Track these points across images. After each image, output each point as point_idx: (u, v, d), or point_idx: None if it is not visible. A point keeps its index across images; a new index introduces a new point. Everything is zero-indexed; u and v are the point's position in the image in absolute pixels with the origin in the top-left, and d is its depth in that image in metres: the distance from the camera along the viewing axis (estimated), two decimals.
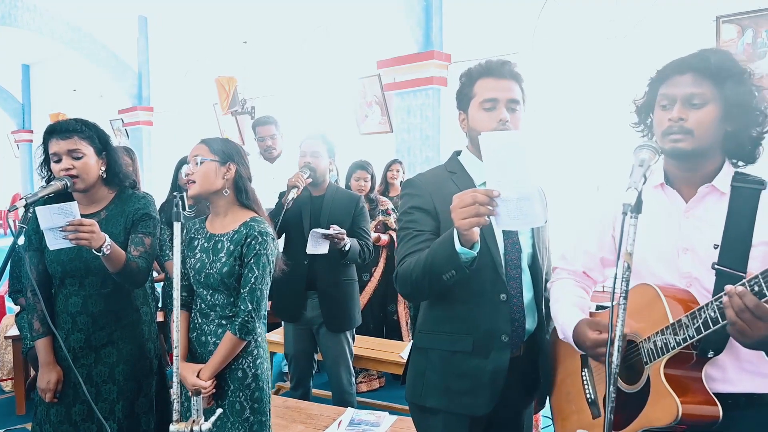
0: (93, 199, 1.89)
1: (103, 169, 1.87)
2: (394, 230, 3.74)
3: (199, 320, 1.85)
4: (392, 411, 3.31)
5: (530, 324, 1.51)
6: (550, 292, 1.52)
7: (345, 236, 2.50)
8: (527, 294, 1.49)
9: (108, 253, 1.68)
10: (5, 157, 14.35)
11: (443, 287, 1.33)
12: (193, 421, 1.33)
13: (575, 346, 1.36)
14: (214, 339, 1.80)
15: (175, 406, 1.35)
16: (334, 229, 2.47)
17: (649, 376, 1.20)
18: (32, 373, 3.57)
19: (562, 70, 5.08)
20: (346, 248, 2.53)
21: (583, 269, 1.51)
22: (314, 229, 2.47)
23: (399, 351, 3.10)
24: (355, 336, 2.91)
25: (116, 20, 8.97)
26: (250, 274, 1.77)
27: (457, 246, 1.22)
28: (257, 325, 1.80)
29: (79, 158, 1.79)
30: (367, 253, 2.71)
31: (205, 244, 1.84)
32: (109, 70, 9.16)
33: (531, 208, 1.17)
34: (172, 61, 9.01)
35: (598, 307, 1.61)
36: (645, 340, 1.22)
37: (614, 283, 1.01)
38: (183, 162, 3.43)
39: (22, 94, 13.30)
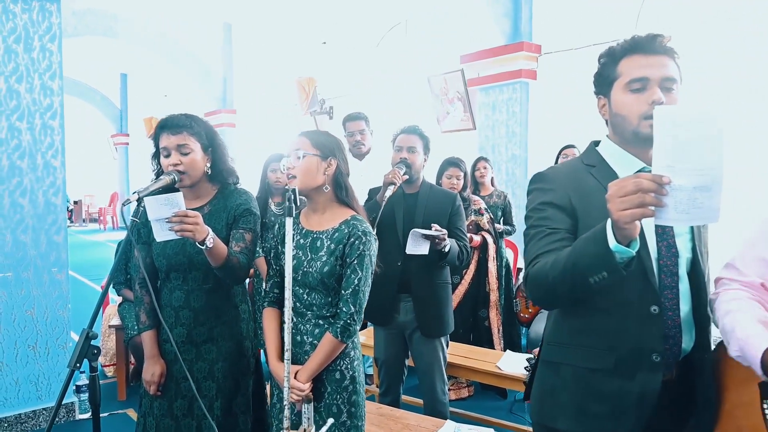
0: (197, 194, 1.88)
1: (208, 165, 1.86)
2: (487, 231, 3.55)
3: (294, 319, 1.78)
4: (485, 424, 3.14)
5: (687, 342, 1.28)
6: (717, 305, 1.29)
7: (446, 237, 2.36)
8: (684, 306, 1.27)
9: (211, 246, 1.66)
10: (105, 159, 15.53)
11: (586, 292, 1.15)
12: (304, 430, 1.24)
13: (762, 372, 1.13)
14: (310, 339, 1.72)
15: (286, 413, 1.27)
16: (436, 229, 2.33)
17: None
18: (132, 360, 3.72)
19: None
20: (446, 249, 2.39)
21: (761, 281, 1.27)
22: (415, 229, 2.34)
23: (495, 360, 2.90)
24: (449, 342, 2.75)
25: (203, 29, 9.41)
26: (353, 276, 1.69)
27: (611, 243, 1.03)
28: (357, 327, 1.73)
29: (186, 154, 1.79)
30: (465, 254, 2.55)
31: (301, 241, 1.76)
32: (195, 76, 9.61)
33: (708, 201, 0.96)
34: (254, 65, 9.30)
35: None
36: None
37: None
38: (271, 161, 3.46)
39: (120, 100, 14.34)
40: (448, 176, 3.40)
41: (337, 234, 1.71)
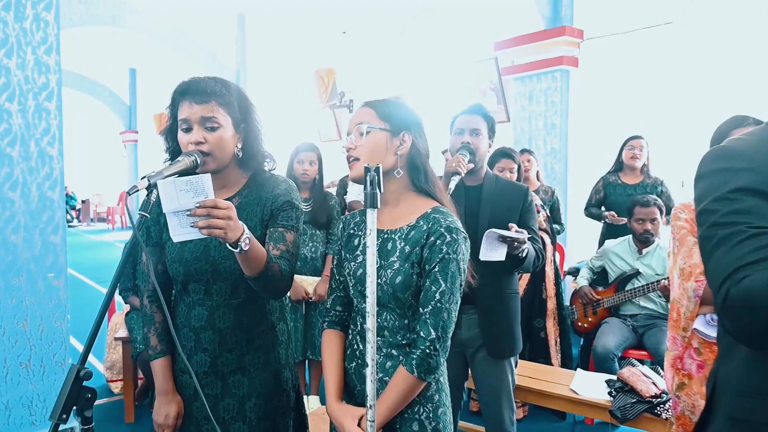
0: (224, 182, 1.46)
1: (239, 146, 1.43)
2: (544, 230, 3.11)
3: (361, 346, 1.38)
4: None
5: None
6: None
7: (526, 240, 1.93)
8: None
9: (247, 249, 1.21)
10: (114, 157, 15.22)
11: None
12: None
13: None
14: (381, 374, 1.32)
15: None
16: (516, 231, 1.90)
17: None
18: (140, 376, 3.32)
19: (729, 42, 4.19)
20: (524, 255, 1.96)
21: None
22: (492, 229, 1.90)
23: (565, 381, 2.47)
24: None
25: (215, 20, 9.04)
26: (433, 288, 1.27)
27: None
28: (442, 359, 1.29)
29: (213, 129, 1.36)
30: (540, 259, 2.12)
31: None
32: (207, 69, 9.22)
33: None
34: (269, 57, 8.93)
35: None
36: None
37: None
38: (300, 150, 3.13)
39: (129, 96, 14.01)
40: (500, 169, 2.96)
41: (412, 232, 1.30)
